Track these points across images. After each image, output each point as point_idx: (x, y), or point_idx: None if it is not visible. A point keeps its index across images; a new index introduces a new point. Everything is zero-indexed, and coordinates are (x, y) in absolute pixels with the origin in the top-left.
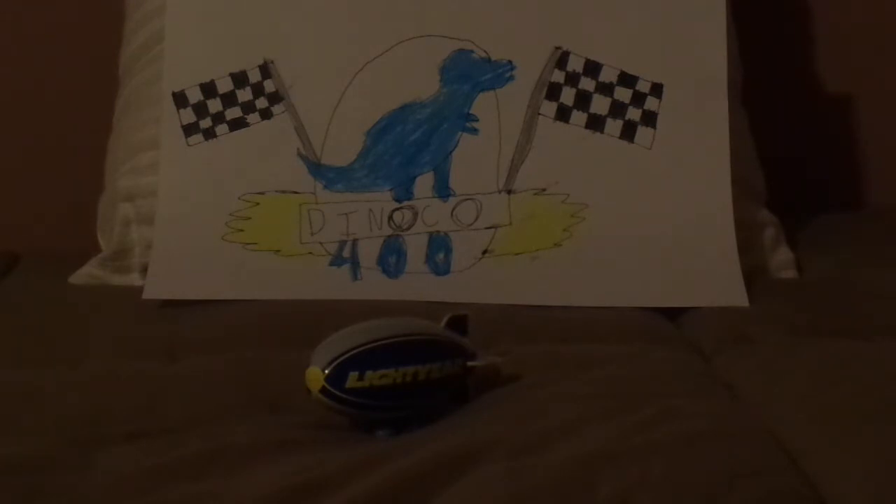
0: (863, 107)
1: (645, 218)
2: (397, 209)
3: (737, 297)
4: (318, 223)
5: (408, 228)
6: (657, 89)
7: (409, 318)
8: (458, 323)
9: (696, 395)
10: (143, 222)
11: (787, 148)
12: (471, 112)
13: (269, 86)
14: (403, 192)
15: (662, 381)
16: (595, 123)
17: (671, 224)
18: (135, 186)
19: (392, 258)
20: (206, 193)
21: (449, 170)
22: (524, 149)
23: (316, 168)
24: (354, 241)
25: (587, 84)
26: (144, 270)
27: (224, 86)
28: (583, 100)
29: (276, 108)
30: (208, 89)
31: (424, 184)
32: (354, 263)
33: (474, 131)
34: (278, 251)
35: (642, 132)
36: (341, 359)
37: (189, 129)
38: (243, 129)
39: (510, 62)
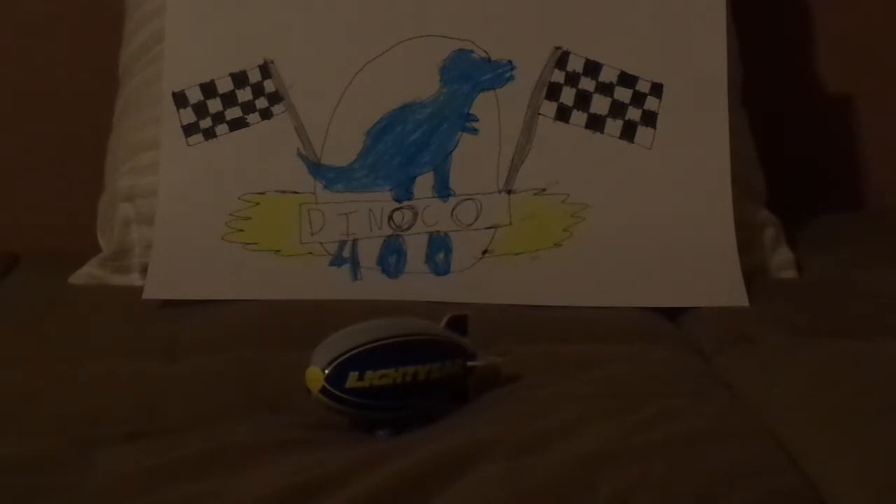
0: (863, 107)
1: (645, 218)
2: (397, 209)
3: (737, 297)
4: (318, 223)
5: (408, 228)
6: (657, 89)
7: (409, 318)
8: (458, 323)
9: (696, 395)
10: (143, 222)
11: (787, 148)
12: (471, 112)
13: (269, 86)
14: (403, 192)
15: (662, 381)
16: (595, 123)
17: (671, 224)
18: (135, 186)
19: (392, 258)
20: (206, 193)
21: (449, 170)
22: (524, 149)
23: (316, 168)
24: (354, 241)
25: (587, 84)
26: (144, 270)
27: (224, 86)
28: (583, 100)
29: (276, 108)
30: (208, 89)
31: (424, 184)
32: (354, 263)
33: (474, 131)
34: (278, 251)
35: (642, 132)
36: (341, 359)
37: (189, 129)
38: (243, 129)
39: (510, 62)
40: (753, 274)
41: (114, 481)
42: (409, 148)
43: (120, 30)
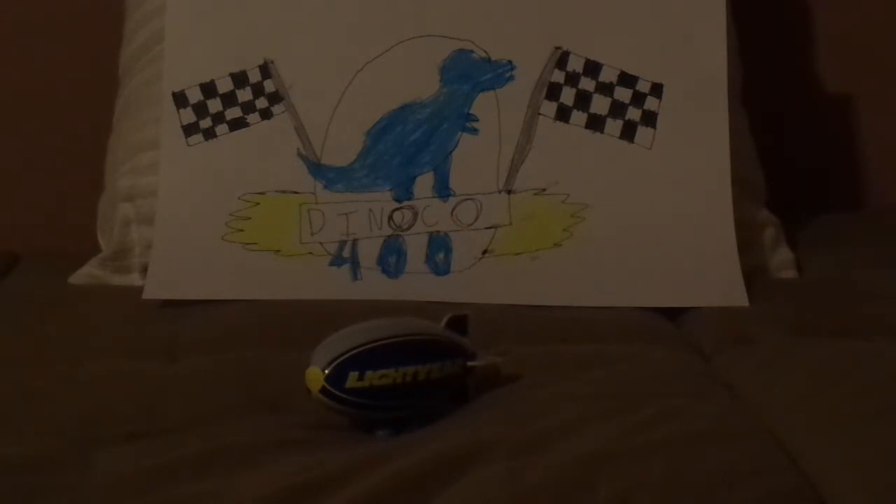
0: (863, 107)
1: (645, 218)
2: (397, 209)
3: (737, 297)
4: (318, 223)
5: (408, 228)
6: (657, 89)
7: (409, 318)
8: (458, 323)
9: (696, 395)
10: (143, 222)
11: (787, 148)
12: (471, 112)
13: (269, 86)
14: (403, 192)
15: (662, 381)
16: (595, 123)
17: (671, 224)
18: (135, 186)
19: (392, 258)
20: (206, 193)
21: (449, 170)
22: (524, 149)
23: (316, 168)
24: (354, 241)
25: (587, 84)
26: (144, 270)
27: (224, 86)
28: (583, 100)
29: (276, 108)
30: (208, 89)
31: (424, 184)
32: (354, 263)
33: (474, 131)
34: (278, 251)
35: (642, 132)
36: (341, 359)
37: (189, 129)
38: (243, 129)
39: (510, 62)
40: (753, 274)
41: (114, 481)
42: (409, 148)
43: (120, 30)
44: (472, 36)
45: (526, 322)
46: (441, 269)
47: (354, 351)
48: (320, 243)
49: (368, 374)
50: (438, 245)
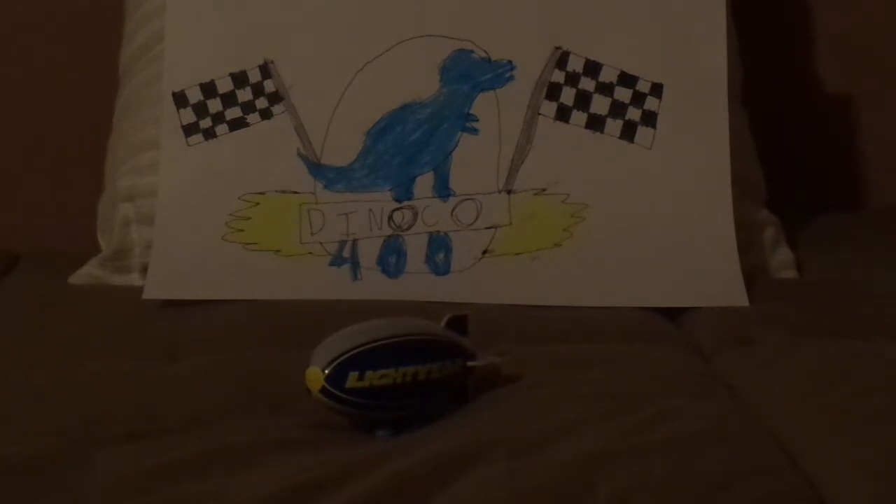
0: (863, 107)
1: (645, 218)
2: (397, 209)
3: (737, 297)
4: (318, 223)
5: (408, 228)
6: (657, 89)
7: (409, 318)
8: (458, 323)
9: (695, 395)
10: (143, 222)
11: (787, 148)
12: (471, 112)
13: (269, 86)
14: (403, 192)
15: (662, 381)
16: (595, 123)
17: (671, 224)
18: (135, 186)
19: (392, 258)
20: (206, 193)
21: (449, 170)
22: (524, 149)
23: (316, 168)
24: (354, 241)
25: (587, 84)
26: (144, 270)
27: (224, 86)
28: (583, 100)
29: (276, 108)
30: (208, 89)
31: (424, 184)
32: (354, 263)
33: (474, 131)
34: (278, 251)
35: (642, 132)
36: (341, 359)
37: (189, 129)
38: (243, 129)
39: (510, 62)
40: (753, 274)
41: (114, 481)
42: (409, 148)
43: (120, 30)
44: (472, 36)
45: (526, 322)
46: (441, 269)
47: (354, 351)
48: (320, 243)
49: (368, 374)
50: (438, 245)
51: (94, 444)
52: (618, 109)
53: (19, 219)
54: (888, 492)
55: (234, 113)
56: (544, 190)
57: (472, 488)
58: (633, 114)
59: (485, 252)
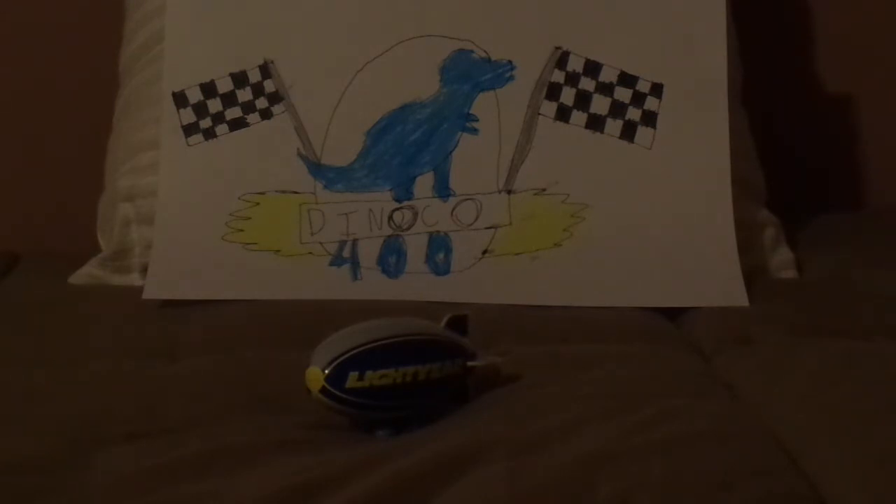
0: (863, 107)
1: (645, 218)
2: (397, 209)
3: (737, 297)
4: (318, 223)
5: (408, 228)
6: (657, 89)
7: (409, 318)
8: (458, 323)
9: (696, 395)
10: (143, 222)
11: (787, 148)
12: (471, 112)
13: (269, 86)
14: (403, 192)
15: (662, 381)
16: (595, 123)
17: (671, 224)
18: (135, 186)
19: (392, 258)
20: (206, 193)
21: (449, 170)
22: (524, 149)
23: (316, 168)
24: (354, 241)
25: (587, 84)
26: (144, 270)
27: (224, 86)
28: (583, 100)
29: (276, 108)
30: (208, 89)
31: (424, 184)
32: (354, 263)
33: (474, 131)
34: (278, 251)
35: (642, 132)
36: (341, 359)
37: (189, 129)
38: (243, 129)
39: (510, 62)
40: (753, 274)
41: (114, 481)
42: (409, 148)
43: (120, 30)
44: (472, 36)
45: (526, 322)
46: (441, 269)
47: (354, 351)
48: (320, 243)
49: (368, 374)
50: (438, 245)
51: (94, 444)
52: (618, 109)
53: (19, 219)
54: (888, 492)
55: (234, 113)
56: (544, 190)
57: (472, 488)
58: (633, 114)
59: (485, 252)
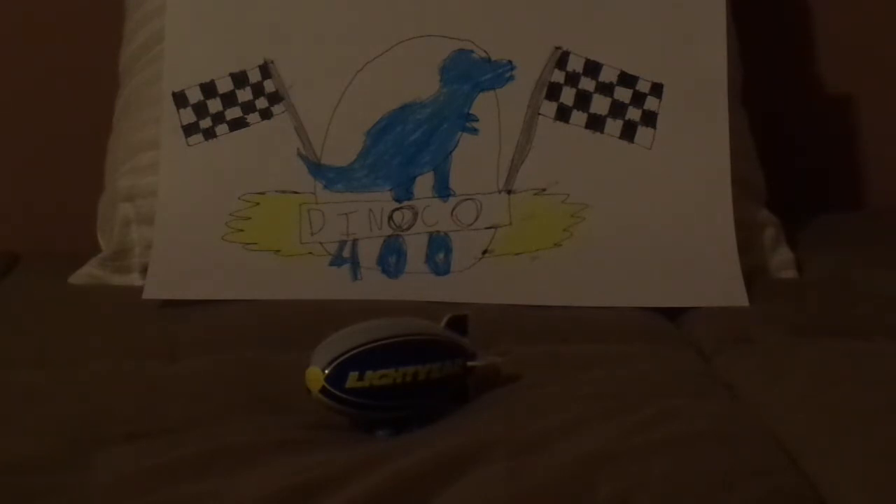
0: (863, 107)
1: (645, 218)
2: (397, 209)
3: (737, 297)
4: (318, 223)
5: (408, 228)
6: (657, 89)
7: (409, 318)
8: (458, 323)
9: (696, 395)
10: (143, 222)
11: (787, 148)
12: (471, 112)
13: (269, 86)
14: (403, 192)
15: (662, 381)
16: (595, 123)
17: (671, 224)
18: (135, 186)
19: (392, 258)
20: (206, 193)
21: (449, 170)
22: (524, 149)
23: (316, 168)
24: (354, 241)
25: (587, 84)
26: (144, 270)
27: (224, 86)
28: (583, 100)
29: (276, 108)
30: (208, 89)
31: (424, 184)
32: (354, 263)
33: (474, 131)
34: (278, 251)
35: (642, 132)
36: (341, 359)
37: (189, 129)
38: (243, 129)
39: (510, 62)
40: (753, 274)
41: (114, 481)
42: (409, 148)
43: (120, 30)
44: (472, 36)
45: (526, 322)
46: (441, 269)
47: (354, 351)
48: (320, 243)
49: (368, 374)
50: (438, 245)
51: (94, 444)
52: (618, 109)
53: (19, 219)
54: (888, 491)
55: (234, 113)
56: (544, 190)
57: (472, 488)
58: (633, 114)
59: (485, 252)
